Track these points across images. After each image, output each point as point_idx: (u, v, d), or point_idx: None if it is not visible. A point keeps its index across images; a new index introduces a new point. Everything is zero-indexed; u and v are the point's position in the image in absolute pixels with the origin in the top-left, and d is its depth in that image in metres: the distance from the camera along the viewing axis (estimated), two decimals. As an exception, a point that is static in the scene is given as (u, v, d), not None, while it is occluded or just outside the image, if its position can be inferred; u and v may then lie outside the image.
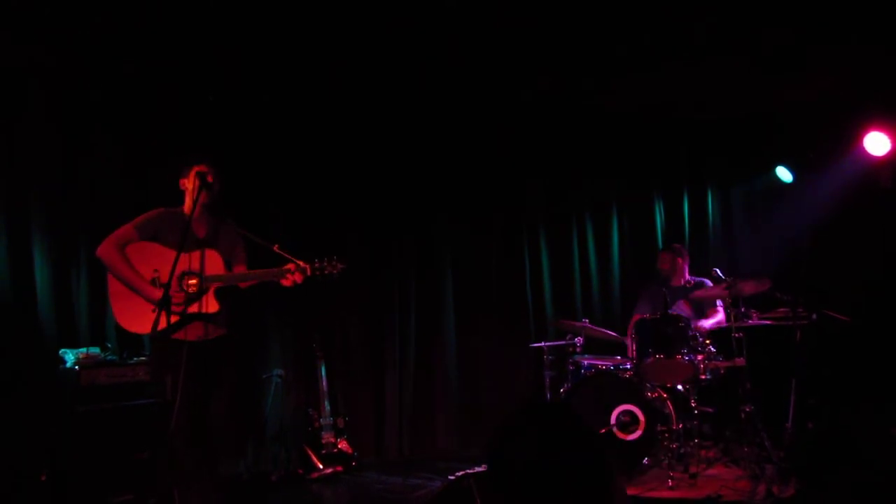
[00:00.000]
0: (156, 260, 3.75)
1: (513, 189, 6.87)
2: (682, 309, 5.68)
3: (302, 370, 5.88)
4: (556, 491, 1.60)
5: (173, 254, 3.58)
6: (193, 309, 3.75)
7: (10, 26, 4.53)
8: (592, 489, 1.62)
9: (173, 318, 3.68)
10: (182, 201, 3.99)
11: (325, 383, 5.68)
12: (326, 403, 5.63)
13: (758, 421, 4.91)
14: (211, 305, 3.79)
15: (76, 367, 4.52)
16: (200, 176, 3.82)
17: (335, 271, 3.89)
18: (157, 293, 3.61)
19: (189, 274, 3.77)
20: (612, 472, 1.78)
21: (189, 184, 3.90)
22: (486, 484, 1.68)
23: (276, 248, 3.87)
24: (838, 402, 5.26)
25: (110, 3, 4.46)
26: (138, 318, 3.73)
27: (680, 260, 5.93)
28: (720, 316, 5.63)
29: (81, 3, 4.44)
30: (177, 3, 4.49)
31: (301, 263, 3.82)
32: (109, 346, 4.86)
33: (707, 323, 5.54)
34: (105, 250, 3.81)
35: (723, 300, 5.42)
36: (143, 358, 4.77)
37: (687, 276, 5.95)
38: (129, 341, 4.91)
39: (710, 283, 5.75)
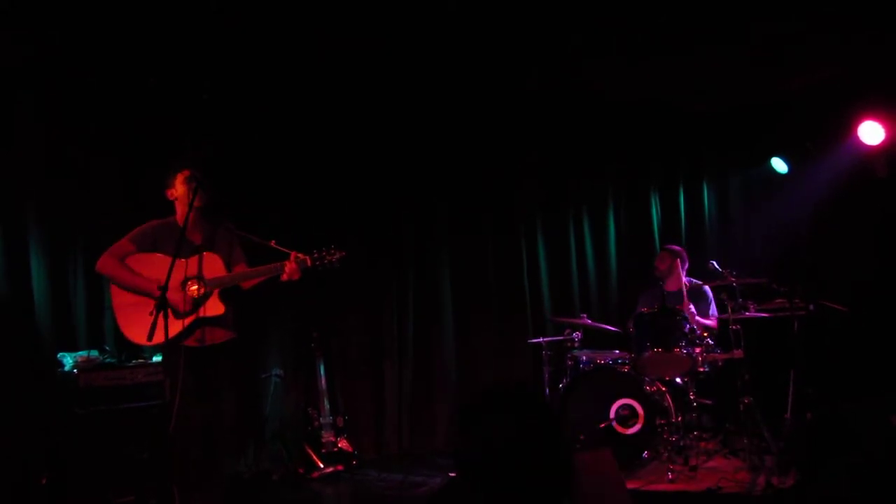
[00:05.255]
0: (157, 270, 3.71)
1: (509, 184, 6.87)
2: None
3: (301, 369, 5.88)
4: (517, 471, 1.61)
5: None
6: (198, 313, 3.75)
7: (3, 26, 4.53)
8: (551, 466, 1.63)
9: (182, 325, 3.69)
10: (172, 212, 3.98)
11: (324, 382, 5.68)
12: (326, 402, 5.63)
13: (757, 412, 4.91)
14: (217, 308, 3.79)
15: (75, 370, 4.52)
16: (195, 178, 3.80)
17: (334, 259, 3.89)
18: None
19: (190, 279, 3.77)
20: (567, 448, 1.80)
21: (177, 192, 3.89)
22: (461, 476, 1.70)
23: (272, 243, 3.87)
24: (837, 391, 5.26)
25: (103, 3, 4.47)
26: (145, 329, 3.69)
27: (678, 262, 5.86)
28: (710, 322, 5.63)
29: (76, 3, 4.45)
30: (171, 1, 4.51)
31: (301, 256, 3.82)
32: (108, 349, 4.86)
33: (702, 319, 5.56)
34: (104, 263, 3.81)
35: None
36: (142, 360, 4.78)
37: (684, 280, 5.89)
38: (128, 344, 4.90)
39: (708, 290, 5.75)
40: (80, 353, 4.68)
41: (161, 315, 3.42)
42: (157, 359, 4.67)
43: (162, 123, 5.29)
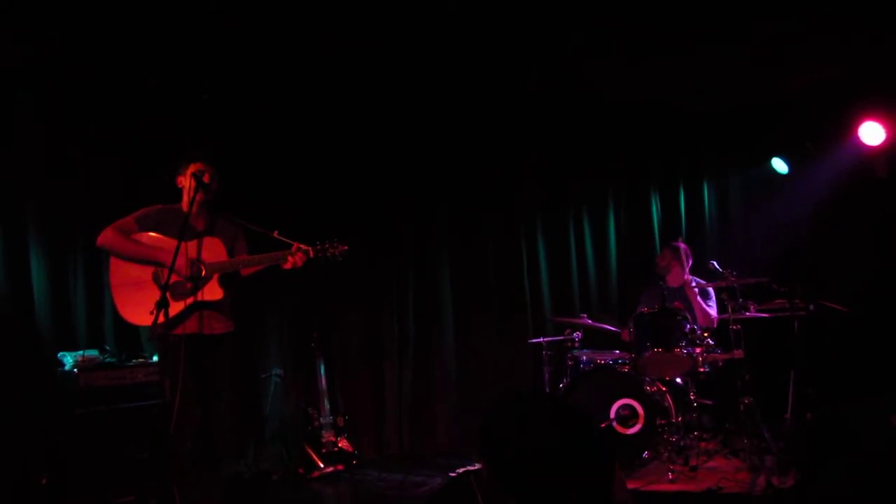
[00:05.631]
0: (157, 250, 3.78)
1: (509, 184, 6.87)
2: None
3: (301, 369, 5.87)
4: (556, 480, 1.60)
5: (174, 243, 3.60)
6: (197, 297, 3.77)
7: (3, 26, 4.52)
8: (593, 478, 1.62)
9: (179, 307, 3.70)
10: (179, 198, 4.01)
11: (324, 382, 5.68)
12: (326, 402, 5.63)
13: (757, 412, 4.91)
14: (215, 292, 3.81)
15: (74, 369, 4.51)
16: (196, 176, 3.84)
17: (337, 252, 3.91)
18: (168, 257, 3.59)
19: (192, 262, 3.79)
20: (612, 462, 1.78)
21: (186, 182, 3.92)
22: (485, 478, 1.69)
23: (275, 233, 3.90)
24: (837, 391, 5.26)
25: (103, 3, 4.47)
26: (141, 309, 3.72)
27: (677, 262, 5.86)
28: (712, 313, 5.62)
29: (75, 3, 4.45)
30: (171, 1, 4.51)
31: (303, 246, 3.84)
32: (108, 348, 4.86)
33: (708, 308, 5.57)
34: (105, 235, 3.84)
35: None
36: (142, 360, 4.78)
37: (686, 277, 5.88)
38: (128, 343, 4.92)
39: (711, 290, 5.74)
40: (80, 352, 4.67)
41: (162, 303, 3.43)
42: (156, 358, 4.67)
43: (162, 123, 5.27)
